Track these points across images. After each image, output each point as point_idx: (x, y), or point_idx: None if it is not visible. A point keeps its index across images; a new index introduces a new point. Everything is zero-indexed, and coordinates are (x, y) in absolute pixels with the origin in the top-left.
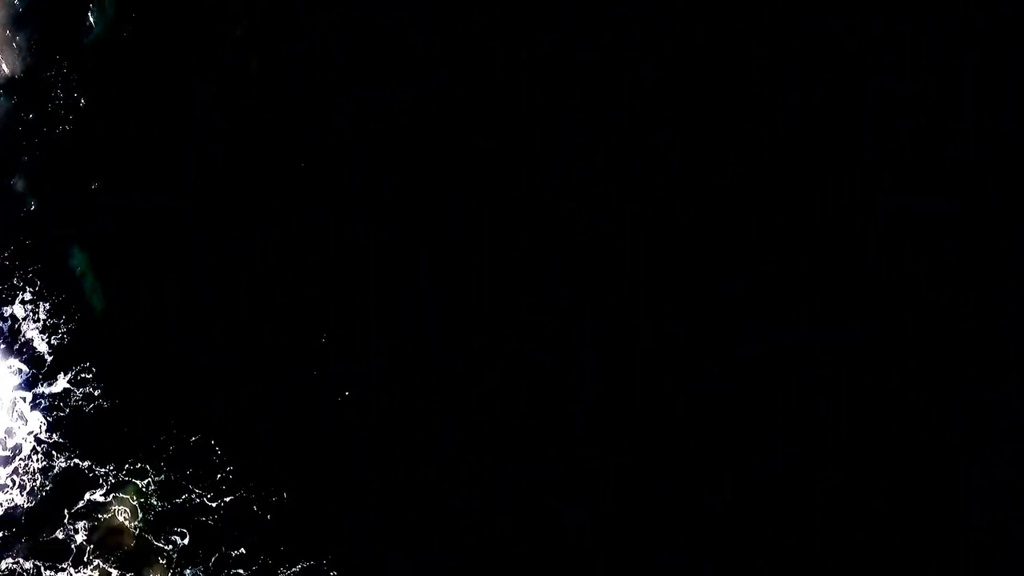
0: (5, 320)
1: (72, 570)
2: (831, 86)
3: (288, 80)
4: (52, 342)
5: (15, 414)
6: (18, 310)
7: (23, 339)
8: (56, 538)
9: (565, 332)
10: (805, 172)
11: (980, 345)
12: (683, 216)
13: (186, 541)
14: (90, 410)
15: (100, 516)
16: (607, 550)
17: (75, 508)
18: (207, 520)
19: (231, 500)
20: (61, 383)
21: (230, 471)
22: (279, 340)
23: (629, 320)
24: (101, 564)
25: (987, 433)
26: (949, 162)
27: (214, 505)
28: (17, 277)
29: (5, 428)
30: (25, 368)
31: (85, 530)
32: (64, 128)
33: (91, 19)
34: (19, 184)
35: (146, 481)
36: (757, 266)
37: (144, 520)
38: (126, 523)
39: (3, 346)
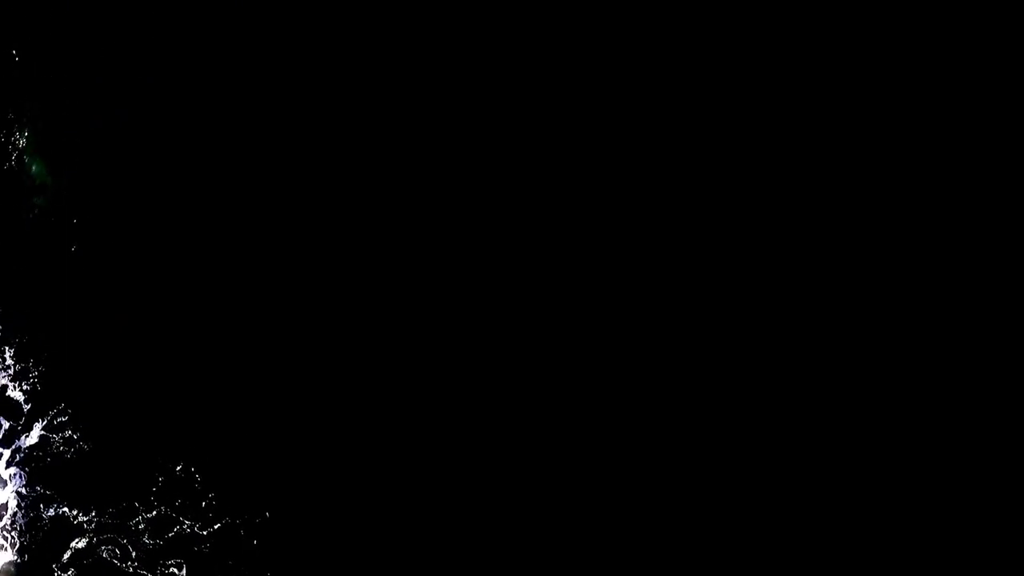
0: None
1: None
2: (831, 86)
3: (287, 79)
4: (25, 388)
5: None
6: None
7: None
8: None
9: (564, 332)
10: (805, 172)
11: (980, 345)
12: (682, 216)
13: (183, 573)
14: (72, 455)
15: (92, 561)
16: (607, 550)
17: (65, 557)
18: (201, 549)
19: (221, 527)
20: (37, 431)
21: (215, 497)
22: (261, 357)
23: (629, 320)
24: None
25: (987, 433)
26: (948, 162)
27: (205, 533)
28: None
29: None
30: (2, 420)
31: None
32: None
33: None
34: None
35: (136, 519)
36: (757, 266)
37: (138, 558)
38: (120, 564)
39: None
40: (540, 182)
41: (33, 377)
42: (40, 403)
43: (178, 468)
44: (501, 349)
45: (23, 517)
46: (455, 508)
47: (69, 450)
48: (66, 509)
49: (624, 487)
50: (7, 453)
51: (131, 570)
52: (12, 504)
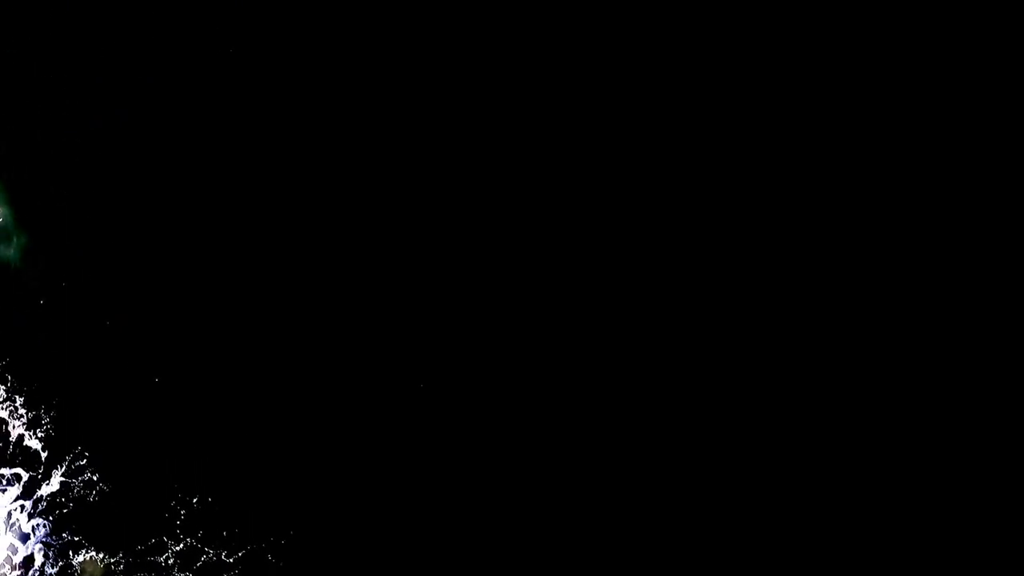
0: None
1: None
2: (830, 86)
3: (286, 79)
4: (39, 435)
5: (17, 528)
6: None
7: (12, 440)
8: None
9: (564, 332)
10: (804, 172)
11: (980, 345)
12: (682, 216)
13: None
14: (93, 498)
15: None
16: (606, 550)
17: None
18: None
19: (247, 553)
20: (57, 478)
21: (237, 524)
22: (270, 379)
23: (628, 320)
24: None
25: (987, 433)
26: (947, 162)
27: (232, 561)
28: None
29: (9, 546)
30: (21, 472)
31: None
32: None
33: None
34: None
35: (164, 554)
36: (757, 266)
37: None
38: None
39: None
40: (539, 183)
41: (46, 423)
42: (57, 448)
43: (195, 500)
44: (500, 350)
45: (52, 567)
46: (469, 520)
47: (90, 493)
48: (94, 553)
49: (623, 487)
50: (29, 504)
51: None
52: (39, 556)
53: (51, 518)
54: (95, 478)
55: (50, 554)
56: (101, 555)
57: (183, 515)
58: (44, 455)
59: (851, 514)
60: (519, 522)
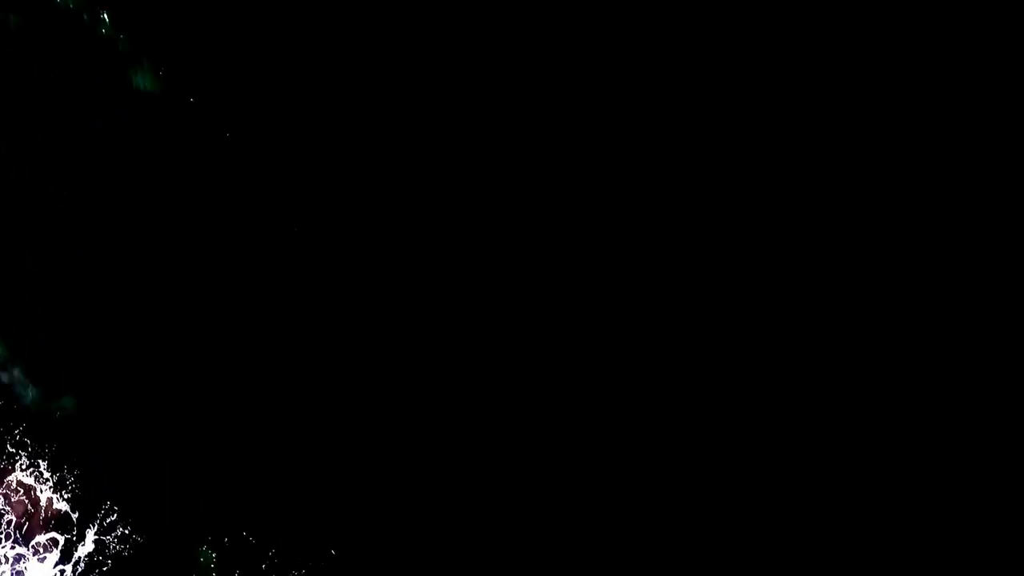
0: (17, 492)
1: None
2: (831, 86)
3: (287, 80)
4: (67, 496)
5: None
6: (24, 478)
7: (42, 506)
8: None
9: (562, 332)
10: (804, 172)
11: (980, 345)
12: (682, 216)
13: None
14: (128, 552)
15: None
16: (606, 550)
17: None
18: None
19: None
20: (91, 538)
21: (275, 555)
22: (294, 412)
23: (627, 320)
24: None
25: (987, 433)
26: (947, 162)
27: None
28: (9, 443)
29: None
30: (57, 536)
31: None
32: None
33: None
34: None
35: None
36: (757, 266)
37: None
38: None
39: (27, 524)
40: (540, 183)
41: (71, 483)
42: (86, 507)
43: (226, 539)
44: (501, 351)
45: None
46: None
47: (125, 547)
48: None
49: (623, 487)
50: (69, 569)
51: None
52: None
53: None
54: (127, 531)
55: None
56: None
57: (216, 557)
58: (75, 516)
59: (851, 514)
60: (525, 524)
